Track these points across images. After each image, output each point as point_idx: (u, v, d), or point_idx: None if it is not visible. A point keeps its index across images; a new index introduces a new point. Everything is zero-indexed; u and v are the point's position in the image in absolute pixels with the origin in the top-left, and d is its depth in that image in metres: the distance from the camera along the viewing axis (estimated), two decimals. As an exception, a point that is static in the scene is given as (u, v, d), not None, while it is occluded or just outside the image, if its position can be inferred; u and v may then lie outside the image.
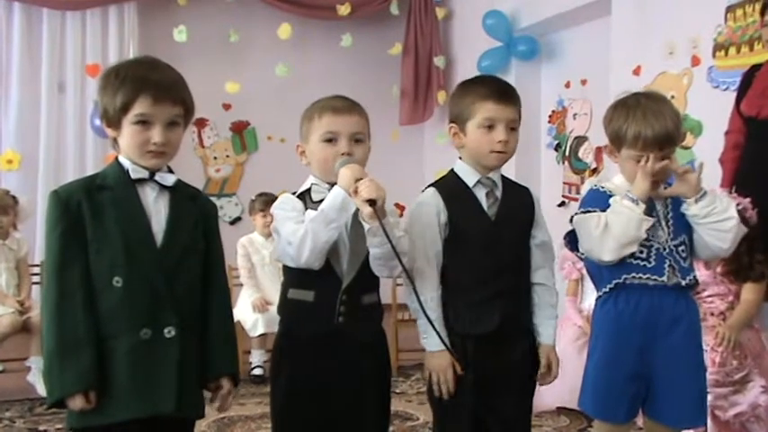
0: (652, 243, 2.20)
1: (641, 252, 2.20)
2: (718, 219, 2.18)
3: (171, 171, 1.92)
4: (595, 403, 2.29)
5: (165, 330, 1.80)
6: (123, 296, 1.78)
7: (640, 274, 2.20)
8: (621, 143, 2.22)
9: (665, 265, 2.20)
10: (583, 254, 2.32)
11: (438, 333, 2.02)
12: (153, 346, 1.79)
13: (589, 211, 2.22)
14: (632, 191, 2.17)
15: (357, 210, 1.94)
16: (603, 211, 2.20)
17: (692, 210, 2.20)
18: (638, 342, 2.21)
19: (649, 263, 2.20)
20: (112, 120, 1.83)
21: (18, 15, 5.96)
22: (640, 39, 4.73)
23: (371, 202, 1.85)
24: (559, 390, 3.60)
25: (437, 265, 2.12)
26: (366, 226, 1.91)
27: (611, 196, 2.23)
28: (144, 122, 1.80)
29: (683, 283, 2.22)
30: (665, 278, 2.19)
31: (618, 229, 2.14)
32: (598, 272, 2.31)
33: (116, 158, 1.88)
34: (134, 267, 1.78)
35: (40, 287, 4.15)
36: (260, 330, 4.50)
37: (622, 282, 2.22)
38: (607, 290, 2.26)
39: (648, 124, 2.16)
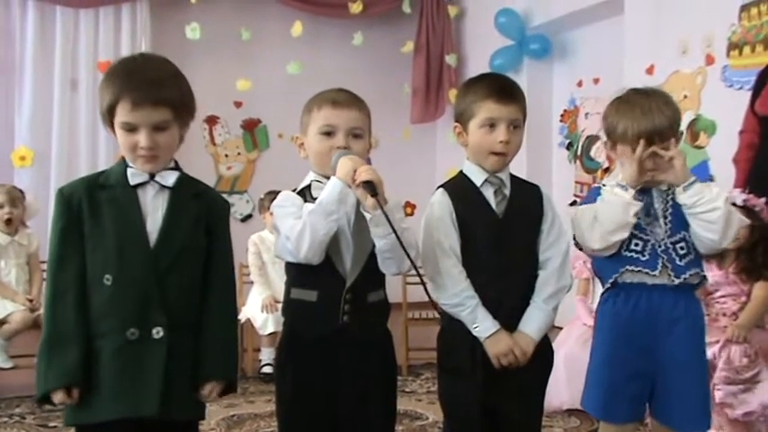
0: (648, 238, 2.21)
1: (636, 245, 2.20)
2: (705, 209, 2.16)
3: (178, 168, 1.88)
4: (596, 403, 2.29)
5: (154, 331, 1.77)
6: (112, 295, 1.77)
7: (633, 267, 2.21)
8: (614, 139, 2.25)
9: (659, 262, 2.20)
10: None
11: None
12: (140, 347, 1.77)
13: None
14: (622, 178, 2.21)
15: (359, 205, 1.93)
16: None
17: (680, 198, 2.20)
18: (640, 341, 2.21)
19: (643, 256, 2.21)
20: (106, 121, 1.82)
21: (32, 13, 5.99)
22: (653, 37, 4.71)
23: (372, 189, 1.84)
24: (569, 391, 3.60)
25: (456, 257, 2.09)
26: (368, 216, 1.89)
27: None
28: (129, 127, 1.77)
29: (676, 282, 2.20)
30: (656, 272, 2.19)
31: (604, 214, 2.17)
32: (601, 269, 2.32)
33: (122, 157, 1.86)
34: (124, 266, 1.77)
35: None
36: (270, 329, 4.50)
37: (621, 276, 2.22)
38: (609, 286, 2.26)
39: (635, 119, 2.18)
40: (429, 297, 2.01)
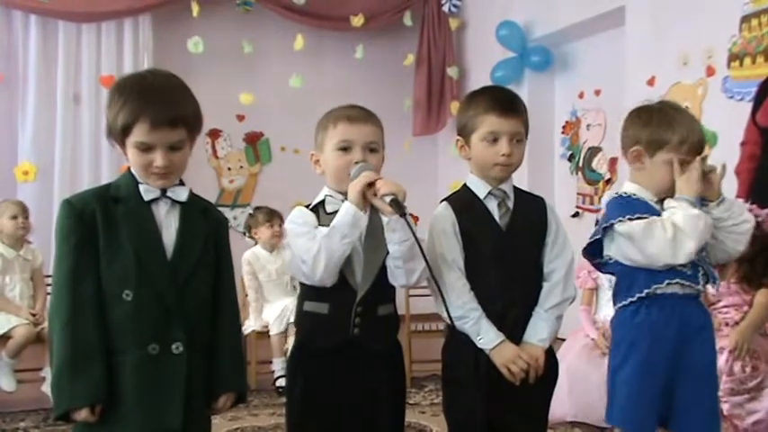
0: None
1: None
2: (736, 221, 2.20)
3: (182, 183, 1.89)
4: (628, 417, 2.24)
5: (174, 346, 1.78)
6: (132, 310, 1.75)
7: (683, 281, 2.21)
8: (660, 147, 2.22)
9: (699, 273, 2.23)
10: (610, 260, 2.29)
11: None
12: (160, 362, 1.77)
13: (641, 218, 2.19)
14: (686, 193, 2.17)
15: (371, 220, 1.95)
16: (645, 215, 2.19)
17: (713, 213, 2.20)
18: (672, 351, 2.21)
19: (687, 269, 2.21)
20: (116, 138, 1.81)
21: (34, 28, 6.00)
22: (654, 49, 4.72)
23: (399, 207, 1.86)
24: (572, 403, 3.60)
25: (459, 270, 2.11)
26: (385, 219, 1.91)
27: (644, 202, 2.23)
28: (145, 147, 1.77)
29: (713, 287, 2.28)
30: (699, 285, 2.23)
31: (698, 232, 2.13)
32: (630, 279, 2.26)
33: (129, 169, 1.86)
34: (144, 281, 1.76)
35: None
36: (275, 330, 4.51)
37: (662, 288, 2.20)
38: (642, 295, 2.22)
39: (694, 129, 2.23)
40: (446, 309, 2.01)
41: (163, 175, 1.81)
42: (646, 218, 2.19)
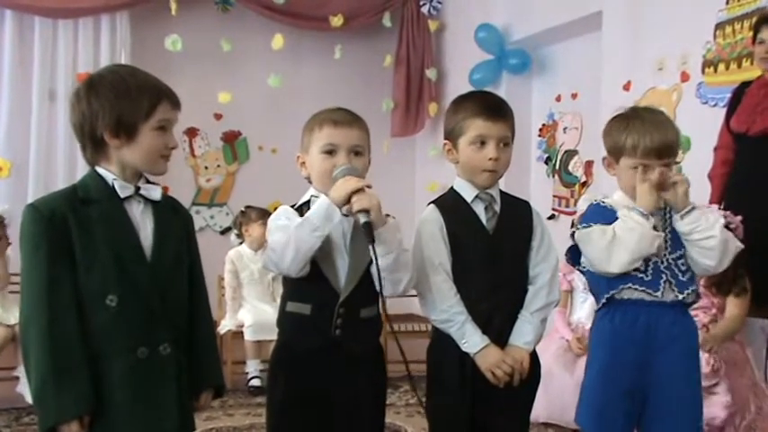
0: (650, 256, 2.20)
1: (640, 264, 2.20)
2: (701, 236, 2.18)
3: (150, 181, 1.88)
4: (591, 419, 2.29)
5: (161, 347, 1.77)
6: (118, 315, 1.72)
7: (636, 286, 2.20)
8: (620, 153, 2.24)
9: (661, 280, 2.21)
10: (584, 267, 2.33)
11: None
12: (151, 365, 1.75)
13: (590, 226, 2.23)
14: (639, 204, 2.18)
15: (356, 223, 1.97)
16: (608, 224, 2.20)
17: (677, 225, 2.22)
18: (635, 358, 2.21)
19: (646, 276, 2.21)
20: (127, 127, 1.76)
21: (9, 23, 5.93)
22: (631, 54, 4.77)
23: (369, 232, 1.88)
24: (545, 404, 3.62)
25: (446, 273, 2.12)
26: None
27: (614, 212, 2.24)
28: (163, 128, 1.80)
29: (681, 297, 2.22)
30: (659, 293, 2.20)
31: (632, 244, 2.13)
32: (597, 284, 2.31)
33: (93, 169, 1.82)
34: (128, 285, 1.74)
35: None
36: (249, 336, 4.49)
37: (619, 292, 2.22)
38: (605, 301, 2.26)
39: (647, 133, 2.18)
40: (385, 313, 2.04)
41: (167, 158, 1.84)
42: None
